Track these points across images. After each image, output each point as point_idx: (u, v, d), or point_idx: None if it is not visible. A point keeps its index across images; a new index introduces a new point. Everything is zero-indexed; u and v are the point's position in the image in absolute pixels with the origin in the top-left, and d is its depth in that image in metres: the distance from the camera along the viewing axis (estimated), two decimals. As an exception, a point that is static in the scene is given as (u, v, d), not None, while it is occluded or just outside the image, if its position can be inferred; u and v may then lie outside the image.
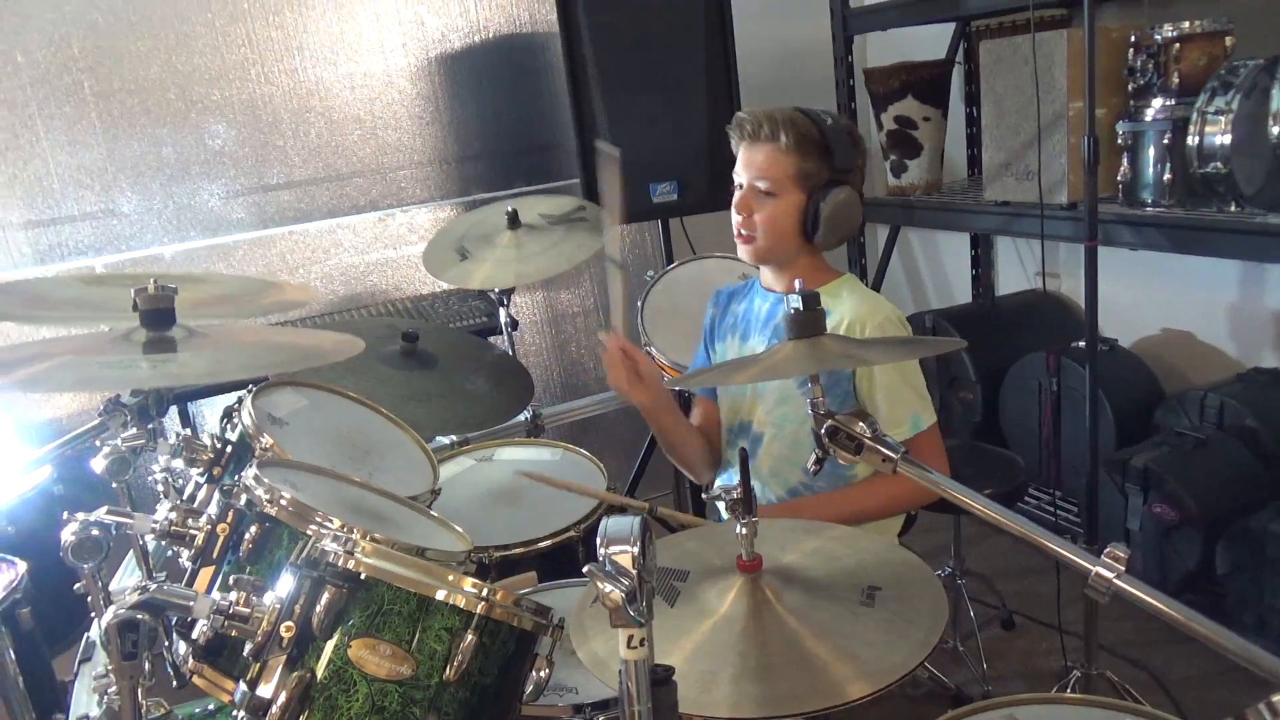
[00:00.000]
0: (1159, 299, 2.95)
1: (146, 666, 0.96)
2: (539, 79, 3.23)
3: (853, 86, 3.21)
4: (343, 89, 3.08)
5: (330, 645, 0.95)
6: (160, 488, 1.62)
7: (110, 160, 2.86)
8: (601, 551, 0.69)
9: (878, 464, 0.94)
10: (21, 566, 1.74)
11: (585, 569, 0.70)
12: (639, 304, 2.34)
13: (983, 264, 3.56)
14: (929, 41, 3.36)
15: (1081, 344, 2.89)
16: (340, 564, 0.97)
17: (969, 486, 2.25)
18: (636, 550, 0.68)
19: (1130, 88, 2.40)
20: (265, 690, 0.95)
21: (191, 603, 0.96)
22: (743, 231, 1.62)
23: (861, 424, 0.94)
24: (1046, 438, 2.94)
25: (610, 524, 0.71)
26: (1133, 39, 2.37)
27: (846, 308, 1.56)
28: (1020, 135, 2.64)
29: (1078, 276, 3.29)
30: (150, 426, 1.30)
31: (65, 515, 1.21)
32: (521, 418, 2.32)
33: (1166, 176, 2.34)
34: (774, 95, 3.75)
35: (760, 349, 1.66)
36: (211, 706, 1.57)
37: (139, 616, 0.93)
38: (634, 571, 0.67)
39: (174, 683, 1.27)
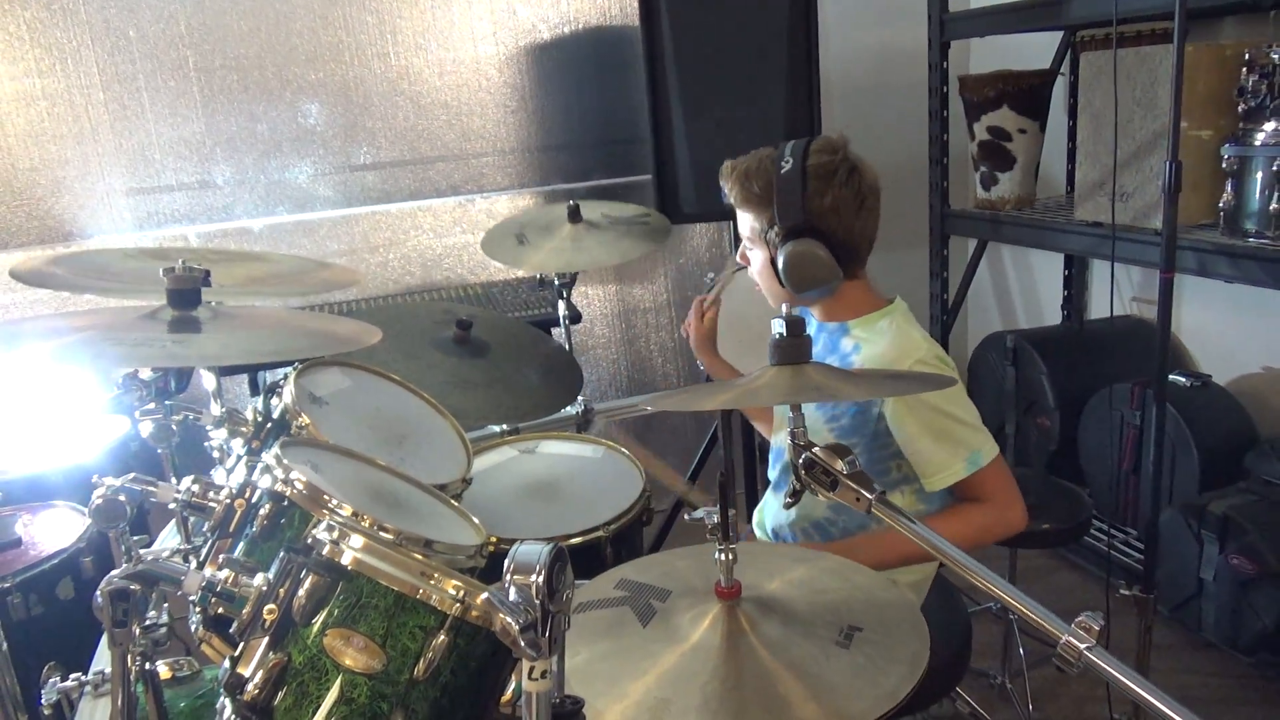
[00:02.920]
0: (1261, 334, 2.76)
1: (136, 632, 0.99)
2: (625, 73, 3.22)
3: (946, 93, 3.10)
4: (432, 74, 3.13)
5: (308, 633, 0.97)
6: (216, 454, 1.70)
7: (208, 134, 2.98)
8: (505, 578, 0.68)
9: (852, 503, 0.91)
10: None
11: (483, 596, 0.69)
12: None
13: (1075, 285, 3.40)
14: (1037, 50, 3.22)
15: (1172, 377, 2.74)
16: (326, 553, 0.98)
17: (1029, 518, 2.17)
18: (540, 580, 0.66)
19: (1241, 109, 2.25)
20: (244, 669, 0.97)
21: (182, 577, 0.98)
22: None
23: (841, 460, 0.90)
24: (1124, 473, 2.79)
25: (520, 551, 0.70)
26: (1246, 56, 2.21)
27: (878, 346, 1.48)
28: (1118, 154, 2.50)
29: (1177, 304, 3.10)
30: (168, 402, 1.34)
31: (95, 479, 1.26)
32: (573, 411, 2.33)
33: (1274, 206, 2.18)
34: (865, 100, 3.70)
35: None
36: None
37: (130, 586, 0.97)
38: (536, 602, 0.66)
39: (186, 648, 1.32)
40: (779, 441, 1.63)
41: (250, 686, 0.96)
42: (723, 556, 0.90)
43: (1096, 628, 0.76)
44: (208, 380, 1.84)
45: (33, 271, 1.45)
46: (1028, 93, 2.91)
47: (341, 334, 1.24)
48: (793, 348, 0.97)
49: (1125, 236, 2.44)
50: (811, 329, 1.63)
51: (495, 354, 2.17)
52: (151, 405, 1.35)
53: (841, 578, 1.00)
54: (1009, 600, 0.85)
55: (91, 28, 2.81)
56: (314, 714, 0.95)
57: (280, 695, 0.96)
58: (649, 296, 3.49)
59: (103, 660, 1.39)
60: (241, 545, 1.32)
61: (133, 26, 2.84)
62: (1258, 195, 2.21)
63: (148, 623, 1.14)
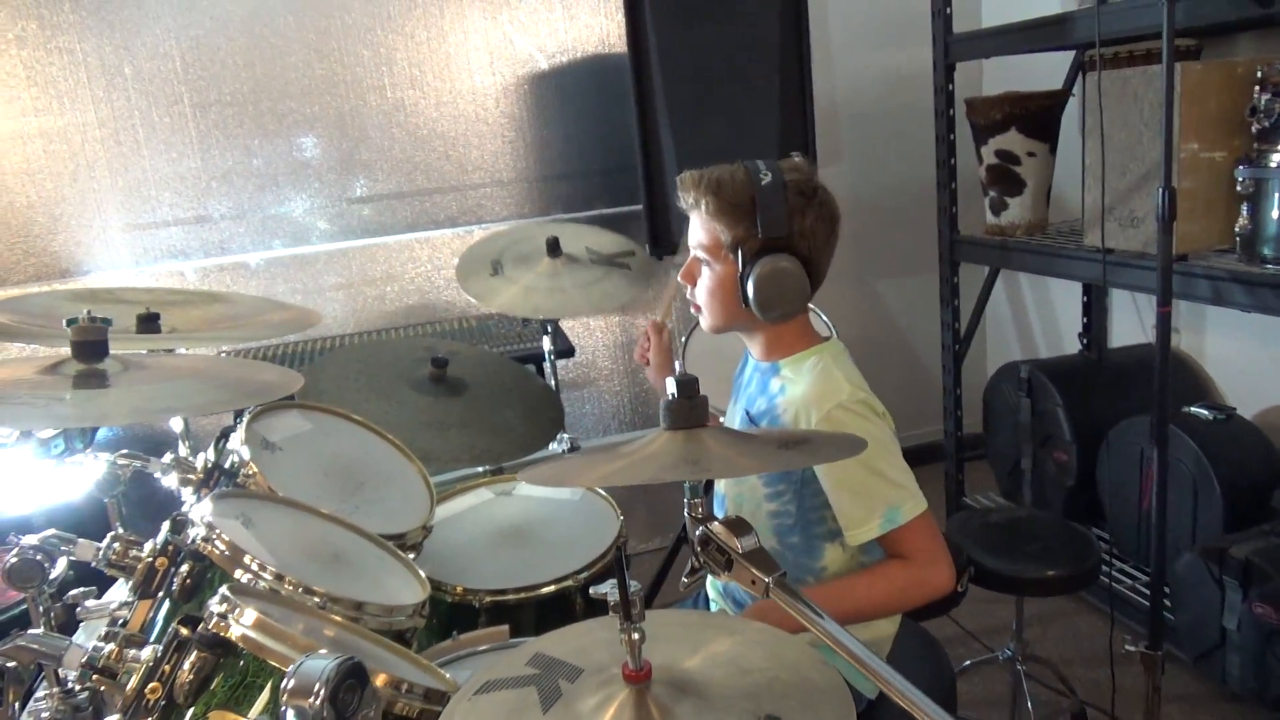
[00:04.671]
0: (1290, 365, 2.62)
1: (16, 710, 0.93)
2: (624, 100, 3.14)
3: (953, 116, 3.00)
4: (428, 106, 3.10)
5: (188, 714, 0.90)
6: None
7: (204, 169, 2.97)
8: (282, 699, 0.60)
9: (747, 585, 0.82)
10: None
11: None
12: (683, 340, 2.23)
13: (1094, 313, 3.26)
14: (1051, 71, 3.12)
15: (1194, 409, 2.60)
16: (212, 628, 0.91)
17: (1035, 563, 2.05)
18: (319, 702, 0.58)
19: (1254, 129, 2.13)
20: (125, 753, 0.91)
21: (61, 653, 0.92)
22: (692, 304, 1.50)
23: (740, 538, 0.81)
24: (1145, 511, 2.65)
25: (301, 668, 0.62)
26: (1259, 74, 2.10)
27: (799, 386, 1.39)
28: (1127, 177, 2.39)
29: (1200, 332, 2.98)
30: (77, 459, 1.29)
31: (11, 537, 1.21)
32: (560, 449, 2.25)
33: (1292, 231, 2.06)
34: (873, 123, 3.62)
35: (734, 417, 1.54)
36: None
37: (5, 664, 0.90)
38: None
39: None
40: (720, 488, 1.55)
41: (128, 774, 0.89)
42: (626, 637, 0.82)
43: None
44: (175, 422, 1.79)
45: (-28, 317, 1.41)
46: (1036, 115, 2.81)
47: (261, 382, 1.18)
48: (686, 410, 0.88)
49: (1134, 264, 2.32)
50: (749, 368, 1.55)
51: (472, 392, 2.10)
52: (79, 454, 1.30)
53: (769, 653, 0.91)
54: (884, 685, 0.75)
55: (88, 66, 2.82)
56: (191, 806, 0.88)
57: (158, 784, 0.89)
58: (654, 315, 3.41)
59: None
60: (166, 608, 1.26)
61: (128, 64, 2.85)
62: (1274, 219, 2.09)
63: (68, 687, 1.09)
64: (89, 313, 1.10)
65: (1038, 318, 3.68)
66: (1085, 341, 3.26)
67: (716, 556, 0.83)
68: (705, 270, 1.43)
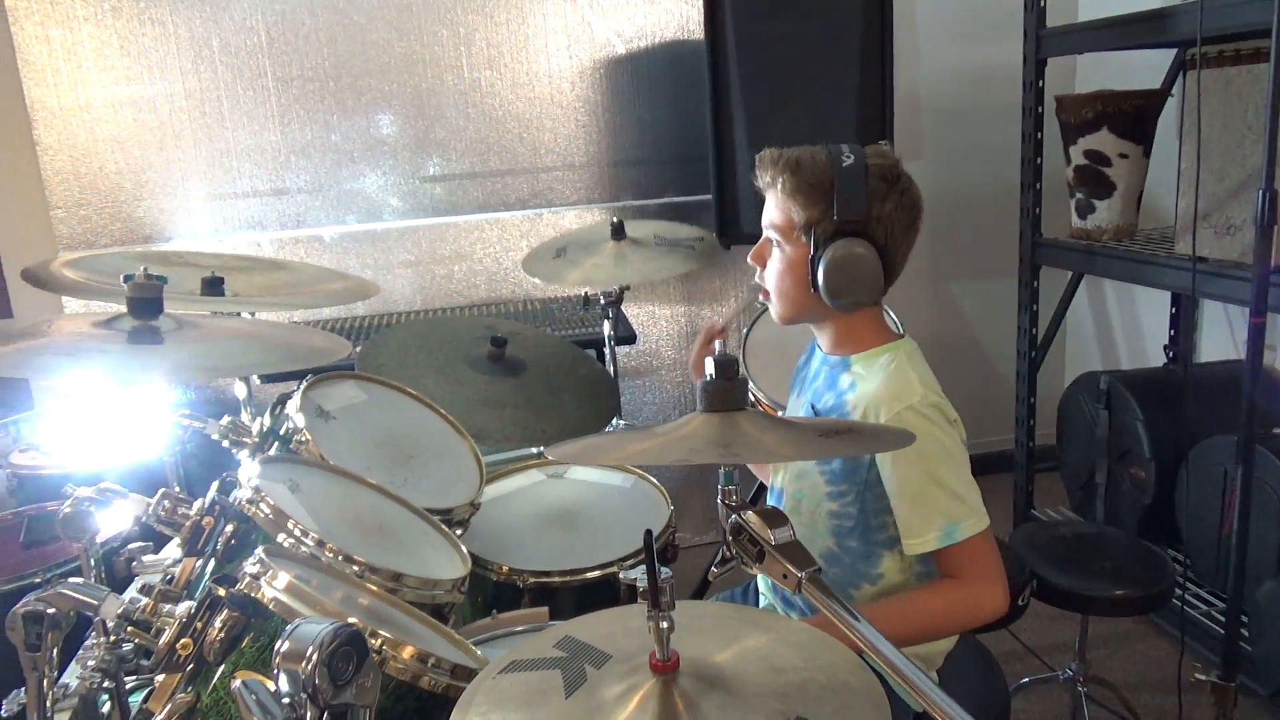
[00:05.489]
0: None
1: (54, 656, 0.94)
2: (700, 89, 3.12)
3: (1042, 114, 2.89)
4: (504, 87, 3.11)
5: (218, 672, 0.90)
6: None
7: (284, 142, 3.03)
8: (275, 661, 0.58)
9: (779, 579, 0.78)
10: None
11: (235, 685, 0.60)
12: (744, 332, 2.19)
13: (1182, 325, 3.11)
14: (1150, 69, 2.98)
15: (1283, 431, 2.46)
16: (244, 588, 0.91)
17: (1102, 581, 1.95)
18: (312, 668, 0.56)
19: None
20: (154, 705, 0.92)
21: (99, 602, 0.93)
22: (760, 288, 1.45)
23: (773, 529, 0.77)
24: (1226, 535, 2.51)
25: (296, 631, 0.59)
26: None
27: (871, 384, 1.33)
28: (1225, 182, 2.27)
29: (1300, 350, 2.82)
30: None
31: (68, 488, 1.24)
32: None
33: (1406, 245, 1.92)
34: (957, 119, 3.51)
35: (799, 411, 1.48)
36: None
37: (46, 610, 0.92)
38: (304, 696, 0.56)
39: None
40: (778, 483, 1.50)
41: (155, 725, 0.90)
42: (654, 625, 0.79)
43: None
44: (238, 388, 1.82)
45: (46, 275, 1.45)
46: (1130, 114, 2.68)
47: (309, 348, 1.18)
48: (723, 393, 0.84)
49: (1227, 274, 2.20)
50: (816, 361, 1.50)
51: (530, 373, 2.10)
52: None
53: (806, 654, 0.87)
54: (922, 698, 0.71)
55: (178, 38, 2.89)
56: (214, 762, 0.89)
57: (184, 738, 0.90)
58: (718, 318, 3.37)
59: (71, 674, 1.37)
60: (211, 567, 1.27)
61: (216, 37, 2.91)
62: (1388, 232, 1.95)
63: (113, 639, 1.11)
64: (145, 270, 1.11)
65: (1122, 327, 3.53)
66: (1171, 355, 3.11)
67: (748, 547, 0.80)
68: (776, 252, 1.38)
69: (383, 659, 0.89)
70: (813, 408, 1.43)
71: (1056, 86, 2.92)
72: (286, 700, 0.59)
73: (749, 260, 1.45)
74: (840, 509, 1.35)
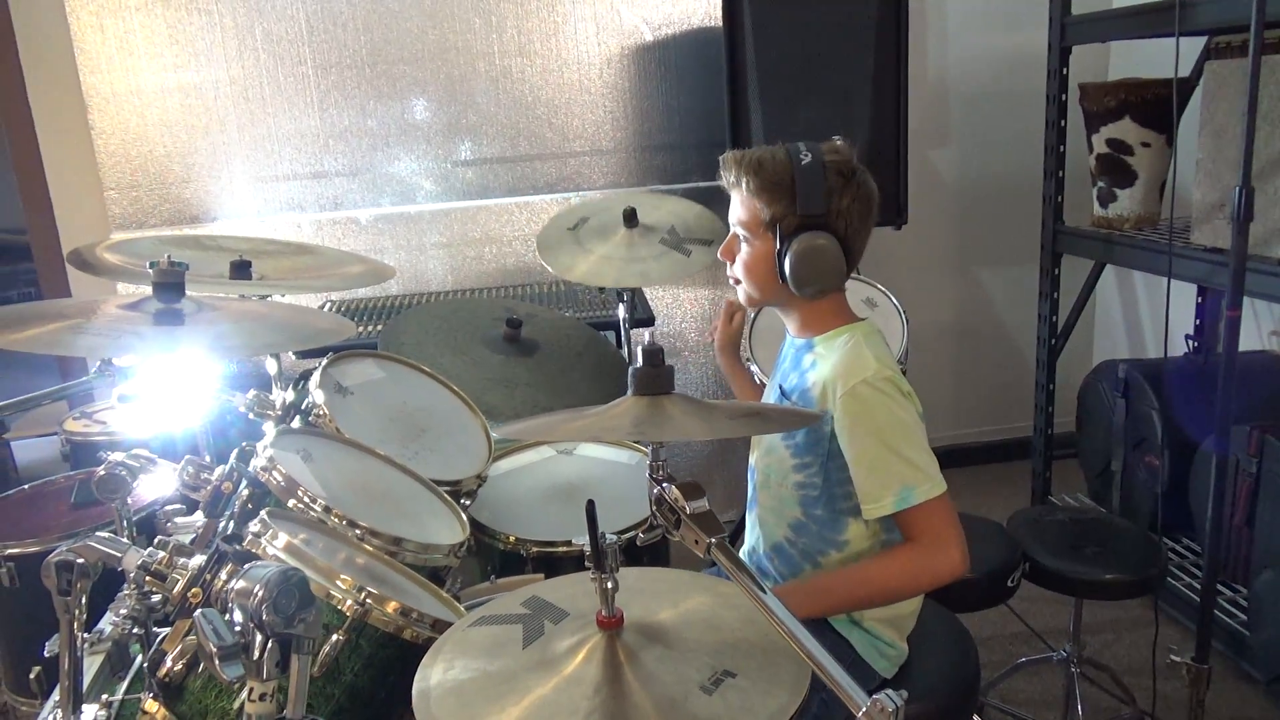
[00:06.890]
0: None
1: (84, 600, 1.06)
2: (723, 76, 3.18)
3: (1065, 102, 2.89)
4: (534, 74, 3.19)
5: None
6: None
7: (323, 127, 3.15)
8: (229, 597, 0.68)
9: (691, 545, 0.86)
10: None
11: (196, 613, 0.69)
12: (752, 315, 2.25)
13: (1207, 314, 3.10)
14: (1183, 58, 2.95)
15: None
16: (245, 545, 1.02)
17: (1092, 565, 2.00)
18: (257, 603, 0.65)
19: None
20: (168, 646, 1.03)
21: (121, 554, 1.05)
22: (731, 278, 1.54)
23: (689, 500, 0.85)
24: (1237, 526, 2.53)
25: (249, 571, 0.69)
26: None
27: (828, 364, 1.41)
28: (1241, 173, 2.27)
29: (1321, 342, 2.80)
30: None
31: (103, 454, 1.36)
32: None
33: None
34: (984, 106, 3.52)
35: (770, 396, 1.56)
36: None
37: (76, 559, 1.04)
38: (250, 624, 0.66)
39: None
40: (751, 461, 1.58)
41: (168, 662, 1.02)
42: (599, 585, 0.88)
43: (892, 708, 0.69)
44: (269, 364, 1.95)
45: (91, 259, 1.57)
46: (1153, 103, 2.68)
47: (314, 329, 1.29)
48: (650, 378, 0.93)
49: (1249, 265, 2.20)
50: (785, 344, 1.57)
51: (543, 353, 2.19)
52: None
53: (743, 615, 0.95)
54: (809, 660, 0.78)
55: (223, 27, 3.02)
56: (218, 698, 1.00)
57: (192, 676, 1.01)
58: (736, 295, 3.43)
59: (106, 620, 1.50)
60: (231, 528, 1.39)
61: (259, 25, 3.04)
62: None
63: (145, 590, 1.23)
64: (169, 256, 1.22)
65: (1150, 316, 3.52)
66: (1194, 344, 3.11)
67: (668, 515, 0.88)
68: (744, 246, 1.47)
69: (366, 611, 1.00)
70: (780, 388, 1.52)
71: (1088, 74, 2.92)
72: (238, 629, 0.69)
73: (719, 256, 1.54)
74: (806, 480, 1.44)
